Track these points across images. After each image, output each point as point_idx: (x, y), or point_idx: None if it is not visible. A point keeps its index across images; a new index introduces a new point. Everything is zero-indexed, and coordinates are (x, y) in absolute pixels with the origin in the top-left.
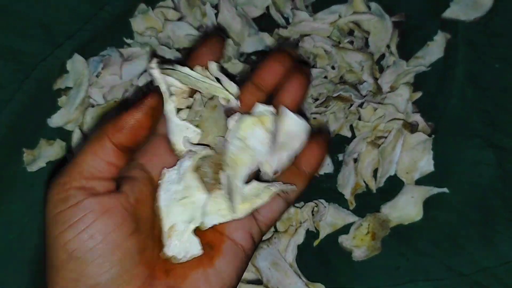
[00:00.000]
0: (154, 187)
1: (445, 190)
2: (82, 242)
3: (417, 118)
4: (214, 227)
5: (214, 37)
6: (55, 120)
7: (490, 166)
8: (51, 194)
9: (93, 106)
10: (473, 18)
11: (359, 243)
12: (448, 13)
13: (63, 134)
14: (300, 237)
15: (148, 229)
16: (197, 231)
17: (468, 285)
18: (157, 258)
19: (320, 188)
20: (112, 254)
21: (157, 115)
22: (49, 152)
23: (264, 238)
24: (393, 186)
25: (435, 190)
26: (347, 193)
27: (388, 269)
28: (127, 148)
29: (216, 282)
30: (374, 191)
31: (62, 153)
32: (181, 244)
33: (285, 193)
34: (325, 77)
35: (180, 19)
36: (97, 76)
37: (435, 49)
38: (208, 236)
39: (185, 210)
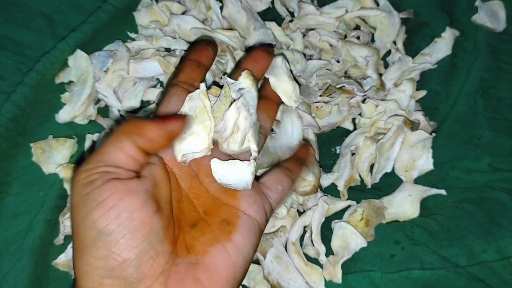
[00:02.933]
0: (168, 171)
1: (443, 192)
2: (110, 220)
3: (419, 116)
4: (229, 204)
5: (201, 46)
6: (62, 116)
7: (484, 174)
8: (78, 178)
9: (99, 100)
10: (502, 29)
11: None
12: (476, 18)
13: (67, 126)
14: (307, 219)
15: (168, 210)
16: (212, 208)
17: (463, 276)
18: (178, 237)
19: None
20: (139, 230)
21: (174, 138)
22: (63, 152)
23: (269, 231)
24: (389, 184)
25: (433, 191)
26: (341, 185)
27: (383, 257)
28: (145, 151)
29: (234, 255)
30: (369, 186)
31: (75, 149)
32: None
33: (290, 172)
34: (329, 70)
35: (184, 12)
36: (105, 71)
37: (442, 46)
38: (225, 213)
39: None
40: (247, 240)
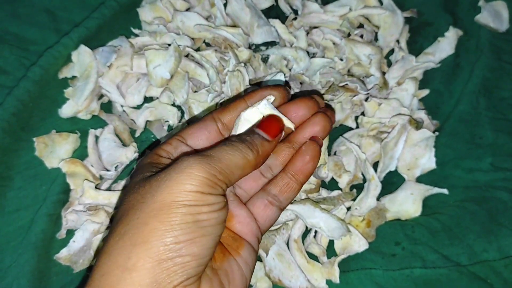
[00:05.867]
0: None
1: (445, 191)
2: (208, 218)
3: (422, 115)
4: (234, 232)
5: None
6: (65, 111)
7: (486, 173)
8: (200, 175)
9: (102, 95)
10: (505, 30)
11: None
12: (480, 18)
13: (70, 121)
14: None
15: None
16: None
17: (465, 275)
18: None
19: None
20: (218, 237)
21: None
22: (65, 147)
23: (272, 228)
24: (392, 182)
25: (435, 190)
26: (343, 182)
27: (384, 256)
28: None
29: (244, 268)
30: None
31: (78, 144)
32: None
33: (279, 202)
34: (332, 68)
35: (188, 9)
36: (108, 67)
37: (445, 45)
38: (229, 233)
39: None
40: (251, 258)
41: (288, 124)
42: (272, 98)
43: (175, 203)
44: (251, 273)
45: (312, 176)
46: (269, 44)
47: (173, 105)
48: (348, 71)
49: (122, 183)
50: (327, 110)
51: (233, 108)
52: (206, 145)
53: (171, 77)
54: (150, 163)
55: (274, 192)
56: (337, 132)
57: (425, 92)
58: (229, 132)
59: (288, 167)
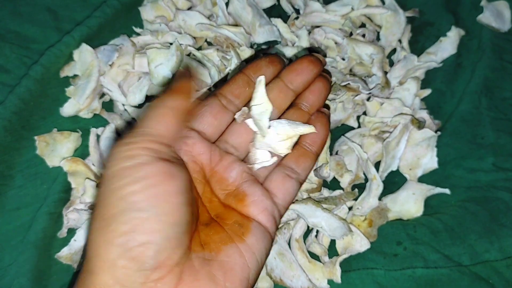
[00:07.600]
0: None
1: (447, 191)
2: (144, 197)
3: (424, 114)
4: (238, 210)
5: (274, 57)
6: (66, 110)
7: (487, 173)
8: (119, 150)
9: (104, 94)
10: (507, 30)
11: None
12: (482, 18)
13: (72, 120)
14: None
15: (194, 205)
16: (224, 213)
17: (466, 275)
18: (193, 233)
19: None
20: (168, 215)
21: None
22: (67, 145)
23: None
24: (393, 182)
25: (437, 190)
26: (344, 182)
27: (385, 255)
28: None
29: (249, 257)
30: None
31: (79, 143)
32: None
33: (297, 174)
34: (334, 67)
35: (190, 8)
36: (110, 65)
37: (447, 45)
38: (236, 217)
39: None
40: (260, 244)
41: (307, 129)
42: (263, 78)
43: (109, 188)
44: (259, 263)
45: (313, 176)
46: (271, 43)
47: None
48: (350, 70)
49: None
50: (325, 73)
51: (232, 82)
52: (211, 120)
53: (173, 76)
54: None
55: (290, 165)
56: (338, 131)
57: (427, 91)
58: (235, 108)
59: (301, 139)
